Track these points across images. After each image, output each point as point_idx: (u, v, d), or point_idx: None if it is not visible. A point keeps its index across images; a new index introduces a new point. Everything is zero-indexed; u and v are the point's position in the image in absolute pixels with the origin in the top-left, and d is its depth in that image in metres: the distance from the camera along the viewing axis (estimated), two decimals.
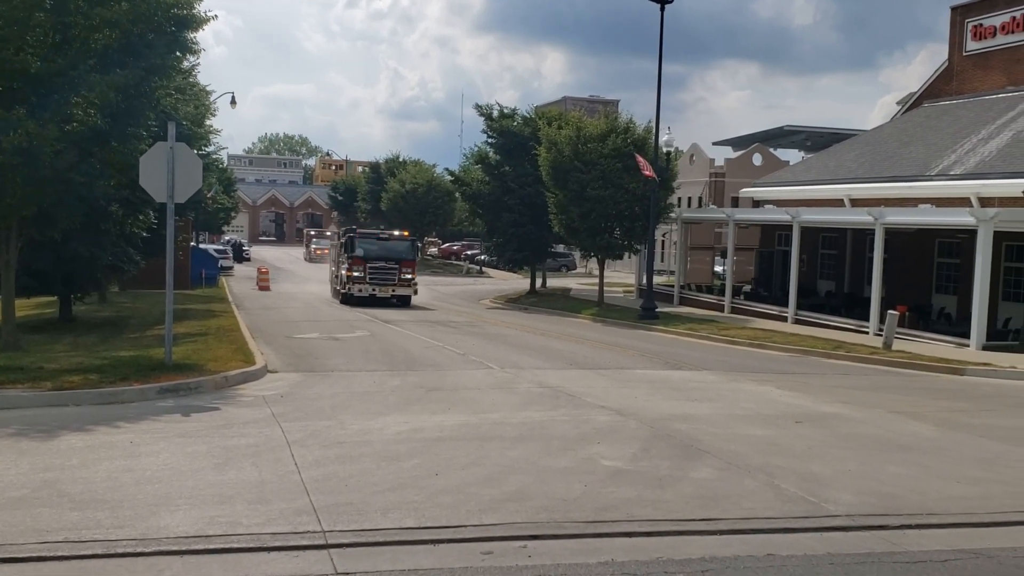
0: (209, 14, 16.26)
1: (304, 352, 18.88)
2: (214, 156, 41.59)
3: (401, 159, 78.25)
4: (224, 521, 7.00)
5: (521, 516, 7.32)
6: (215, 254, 49.55)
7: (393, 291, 34.07)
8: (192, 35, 15.63)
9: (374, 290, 33.66)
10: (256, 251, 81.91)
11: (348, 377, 15.40)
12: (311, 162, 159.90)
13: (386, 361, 17.81)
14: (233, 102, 45.89)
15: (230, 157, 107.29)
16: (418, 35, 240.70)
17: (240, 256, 69.56)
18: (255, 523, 6.98)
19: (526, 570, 6.19)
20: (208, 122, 31.35)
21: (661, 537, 6.98)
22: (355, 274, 33.80)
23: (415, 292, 34.92)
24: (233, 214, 71.87)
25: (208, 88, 32.23)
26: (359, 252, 34.32)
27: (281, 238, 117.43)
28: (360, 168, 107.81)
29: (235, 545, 6.54)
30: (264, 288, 42.15)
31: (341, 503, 7.54)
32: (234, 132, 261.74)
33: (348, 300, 34.05)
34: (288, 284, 47.16)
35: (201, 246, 51.68)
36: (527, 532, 6.94)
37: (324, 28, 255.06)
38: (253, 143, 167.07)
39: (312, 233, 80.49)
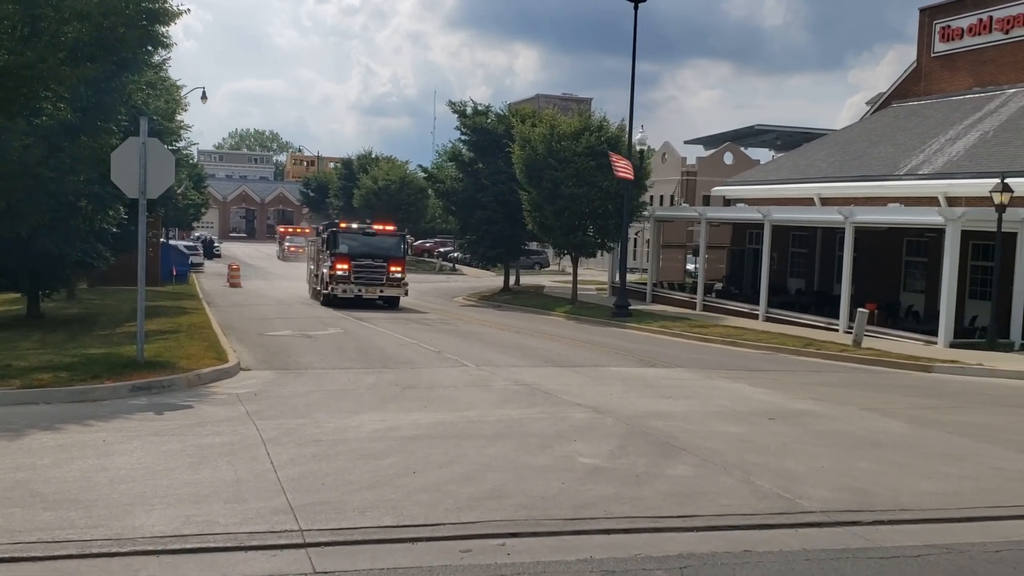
0: (181, 8, 16.12)
1: (277, 350, 18.76)
2: (185, 152, 41.19)
3: (373, 155, 77.96)
4: (200, 520, 6.94)
5: (499, 514, 7.33)
6: (185, 250, 49.10)
7: (381, 292, 31.51)
8: (164, 29, 15.45)
9: (360, 290, 31.00)
10: (227, 247, 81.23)
11: (322, 375, 15.32)
12: (282, 158, 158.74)
13: (360, 359, 17.74)
14: (204, 97, 45.56)
15: (200, 153, 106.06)
16: (390, 31, 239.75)
17: (210, 253, 69.00)
18: (232, 522, 6.93)
19: (505, 568, 6.20)
20: (179, 117, 31.03)
21: (639, 534, 7.02)
22: (339, 273, 31.13)
23: (405, 293, 32.35)
24: (203, 210, 71.13)
25: (179, 83, 31.89)
26: (343, 249, 31.62)
27: (252, 234, 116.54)
28: (332, 164, 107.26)
29: (212, 544, 6.49)
30: (235, 285, 41.83)
31: (318, 502, 7.51)
32: (204, 128, 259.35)
33: (331, 302, 31.39)
34: (259, 281, 46.84)
35: (171, 242, 51.17)
36: (506, 530, 6.94)
37: (295, 23, 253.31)
38: (223, 139, 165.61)
39: (285, 230, 78.51)
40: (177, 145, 33.04)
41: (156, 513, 7.10)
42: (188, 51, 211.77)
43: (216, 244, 76.91)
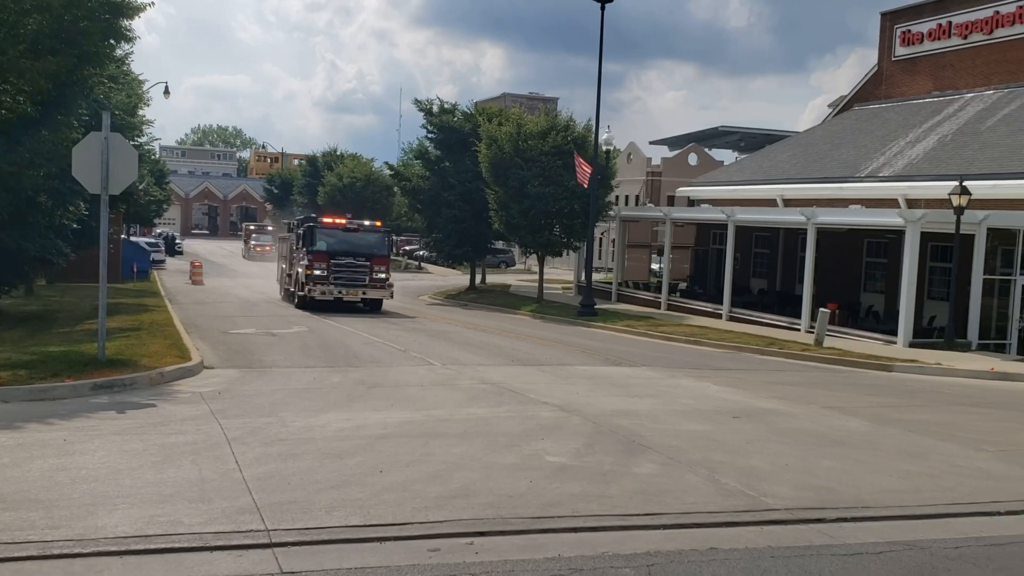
0: (145, 1, 15.87)
1: (241, 348, 18.58)
2: (147, 147, 40.61)
3: (339, 152, 77.39)
4: (164, 520, 6.86)
5: (467, 513, 7.32)
6: (147, 247, 48.43)
7: (363, 293, 28.96)
8: (127, 22, 15.21)
9: (340, 292, 28.40)
10: (189, 244, 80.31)
11: (287, 373, 15.21)
12: (246, 154, 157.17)
13: (325, 357, 17.63)
14: (167, 92, 44.84)
15: (162, 148, 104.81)
16: (355, 27, 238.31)
17: (172, 250, 68.15)
18: (197, 522, 6.86)
19: (473, 567, 6.20)
20: (141, 112, 30.59)
21: (606, 532, 7.05)
22: (316, 273, 28.41)
23: (390, 295, 29.81)
24: (165, 207, 70.16)
25: (141, 77, 31.43)
26: (321, 246, 28.88)
27: (215, 231, 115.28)
28: (296, 161, 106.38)
29: (176, 545, 6.41)
30: (197, 283, 41.37)
31: (285, 501, 7.45)
32: (167, 123, 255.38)
33: (306, 304, 28.71)
34: (222, 279, 46.35)
35: (133, 239, 50.46)
36: (474, 529, 6.94)
37: (260, 18, 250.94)
38: (186, 134, 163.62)
39: (251, 228, 75.23)
40: (139, 140, 32.54)
41: (119, 513, 7.00)
42: (150, 45, 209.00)
43: (178, 241, 75.98)
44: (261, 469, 8.45)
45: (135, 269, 40.92)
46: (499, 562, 6.29)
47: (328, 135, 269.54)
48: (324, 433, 10.22)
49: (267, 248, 61.89)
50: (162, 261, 55.68)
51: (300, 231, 30.32)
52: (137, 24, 14.04)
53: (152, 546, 6.35)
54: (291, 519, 6.99)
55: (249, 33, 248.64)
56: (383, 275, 29.31)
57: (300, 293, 29.18)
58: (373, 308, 29.69)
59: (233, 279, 46.66)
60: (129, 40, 15.66)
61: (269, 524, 6.84)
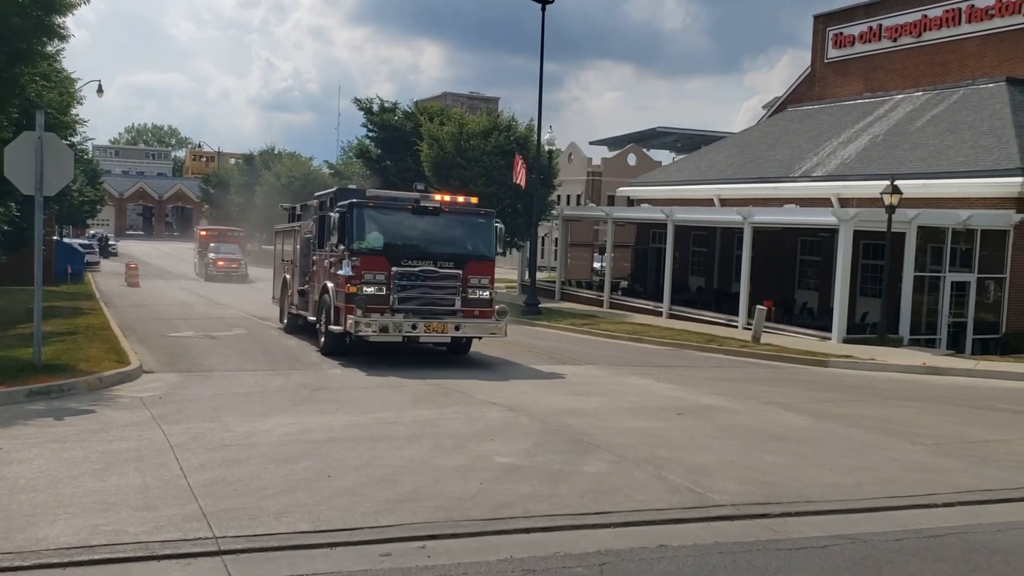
0: None
1: (180, 351, 18.23)
2: (80, 147, 39.57)
3: (276, 151, 76.46)
4: (109, 530, 6.71)
5: (418, 516, 7.30)
6: (80, 249, 47.17)
7: (456, 328, 17.14)
8: (60, 19, 14.78)
9: (413, 326, 16.62)
10: (124, 246, 78.47)
11: (229, 377, 14.97)
12: (181, 154, 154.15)
13: (267, 360, 17.40)
14: (100, 91, 43.75)
15: (96, 148, 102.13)
16: (291, 25, 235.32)
17: (107, 251, 66.56)
18: (142, 531, 6.72)
19: (426, 571, 6.19)
20: (73, 111, 29.76)
21: (558, 532, 7.09)
22: (368, 291, 16.67)
23: (503, 329, 17.89)
24: (99, 207, 68.51)
25: (73, 75, 30.60)
26: (375, 241, 17.09)
27: (150, 232, 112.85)
28: (233, 160, 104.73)
29: (122, 555, 6.27)
30: (133, 284, 40.45)
31: (232, 508, 7.34)
32: (99, 122, 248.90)
33: (345, 347, 17.64)
34: (159, 280, 45.39)
35: (66, 240, 49.14)
36: (425, 532, 6.92)
37: (193, 15, 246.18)
38: (120, 133, 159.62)
39: (207, 232, 52.81)
40: (72, 140, 31.68)
41: (61, 523, 6.83)
42: (80, 42, 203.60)
43: (112, 242, 74.18)
44: (206, 475, 8.31)
45: (68, 271, 39.83)
46: (452, 565, 6.29)
47: (265, 133, 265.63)
48: (269, 438, 10.09)
49: (235, 265, 46.14)
50: (96, 263, 54.30)
51: (332, 214, 17.69)
52: (68, 21, 13.62)
53: (97, 556, 6.20)
54: (239, 526, 6.90)
55: (182, 30, 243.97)
56: (487, 293, 17.70)
57: (334, 327, 17.43)
58: (459, 350, 18.74)
59: (168, 280, 45.70)
60: (63, 38, 15.20)
61: (217, 531, 6.74)
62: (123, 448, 9.34)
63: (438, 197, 18.25)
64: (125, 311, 27.50)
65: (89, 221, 72.12)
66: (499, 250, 18.08)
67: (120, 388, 13.44)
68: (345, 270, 16.94)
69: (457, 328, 17.00)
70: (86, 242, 58.14)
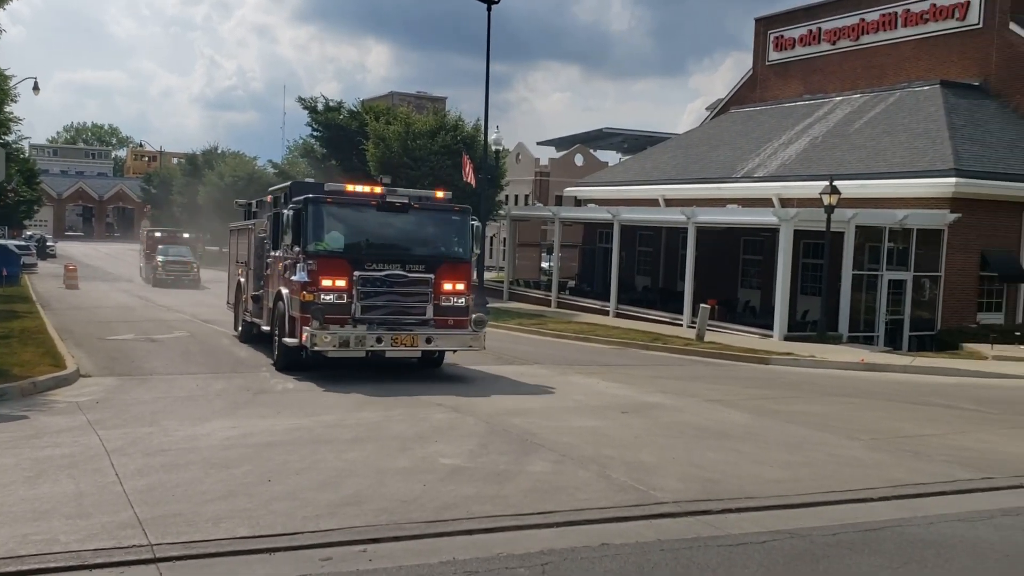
0: None
1: (119, 355, 17.84)
2: (16, 145, 38.51)
3: (220, 150, 75.33)
4: (39, 539, 6.52)
5: (360, 520, 7.23)
6: (16, 250, 45.88)
7: (428, 341, 15.18)
8: None
9: (379, 339, 14.67)
10: (63, 247, 76.50)
11: (169, 380, 14.69)
12: (122, 153, 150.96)
13: (209, 363, 17.11)
14: (36, 88, 42.61)
15: (32, 147, 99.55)
16: (234, 23, 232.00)
17: (44, 252, 64.88)
18: (75, 539, 6.55)
19: (367, 574, 6.13)
20: (8, 108, 28.96)
21: (501, 533, 7.08)
22: (327, 299, 14.76)
23: (480, 342, 15.82)
24: (36, 208, 66.69)
25: (7, 71, 29.78)
26: (334, 242, 15.23)
27: (90, 233, 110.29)
28: (175, 160, 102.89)
29: (52, 564, 6.10)
30: (72, 287, 39.48)
31: (168, 514, 7.19)
32: (36, 120, 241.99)
33: (303, 363, 15.66)
34: (99, 282, 44.37)
35: (1, 241, 47.81)
36: (367, 536, 6.86)
37: (133, 12, 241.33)
38: (58, 132, 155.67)
39: (157, 234, 48.27)
40: (7, 139, 30.81)
41: None
42: (14, 38, 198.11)
43: (51, 243, 72.33)
44: (143, 481, 8.14)
45: (4, 274, 38.72)
46: (393, 568, 6.24)
47: (208, 133, 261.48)
48: (209, 442, 9.92)
49: (186, 269, 42.58)
50: (33, 265, 52.82)
51: (286, 211, 15.73)
52: (1, 16, 13.20)
53: (26, 567, 6.03)
54: (176, 532, 6.76)
55: (123, 27, 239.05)
56: (462, 300, 15.66)
57: (288, 340, 15.38)
58: (432, 363, 17.01)
59: (108, 282, 44.70)
60: None
61: (152, 538, 6.60)
62: (57, 454, 9.10)
63: (403, 193, 16.10)
64: (63, 314, 26.83)
65: (26, 222, 70.15)
66: (476, 250, 16.27)
67: (56, 393, 13.10)
68: (300, 275, 14.91)
69: (428, 341, 14.91)
70: (23, 243, 56.59)
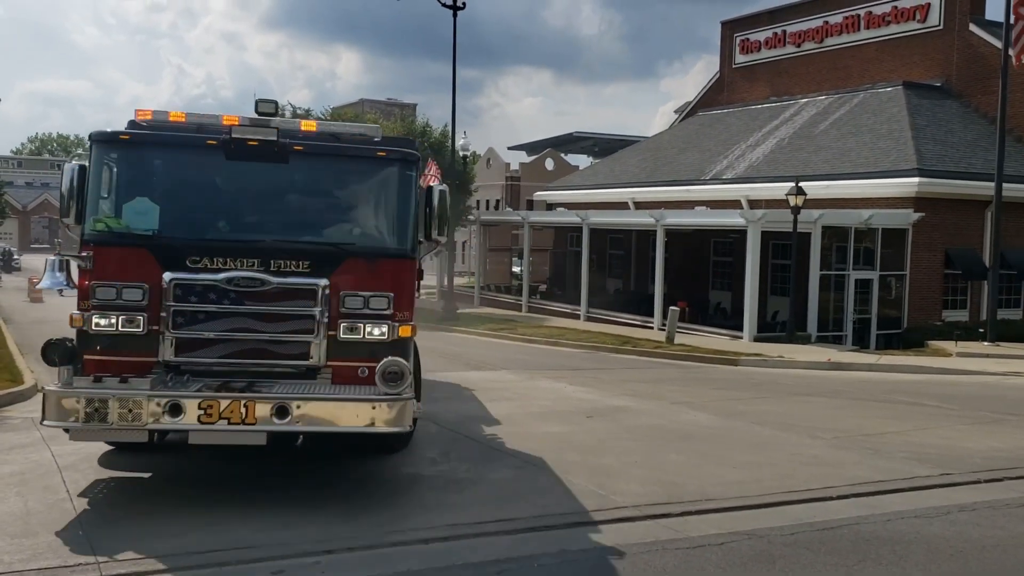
0: None
1: None
2: None
3: None
4: None
5: (314, 530, 7.14)
6: None
7: (280, 415, 7.35)
8: None
9: (172, 409, 7.27)
10: (28, 260, 75.48)
11: None
12: None
13: None
14: None
15: None
16: (201, 30, 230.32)
17: (9, 266, 64.03)
18: (19, 559, 6.40)
19: None
20: None
21: (458, 540, 7.02)
22: (103, 324, 7.98)
23: (401, 418, 7.57)
24: (0, 220, 65.82)
25: None
26: (131, 220, 8.24)
27: (56, 246, 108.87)
28: None
29: None
30: (37, 300, 38.94)
31: (119, 532, 7.06)
32: None
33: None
34: (66, 295, 43.81)
35: None
36: (320, 547, 6.76)
37: (97, 20, 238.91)
38: (22, 143, 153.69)
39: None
40: None
41: None
42: None
43: (16, 256, 71.36)
44: (94, 498, 7.99)
45: None
46: None
47: None
48: (168, 456, 9.75)
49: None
50: None
51: (68, 164, 8.44)
52: None
53: None
54: (125, 548, 6.63)
55: (86, 36, 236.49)
56: (379, 331, 8.12)
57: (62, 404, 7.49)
58: (379, 447, 9.55)
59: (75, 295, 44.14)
60: None
61: (100, 556, 6.47)
62: (7, 472, 8.92)
63: (286, 123, 8.64)
64: (26, 328, 26.44)
65: None
66: (438, 235, 8.88)
67: (10, 409, 12.84)
68: (65, 281, 8.83)
69: (281, 413, 7.37)
70: None
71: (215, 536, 6.94)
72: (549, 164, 67.87)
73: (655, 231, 28.32)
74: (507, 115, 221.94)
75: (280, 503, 7.87)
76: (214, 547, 6.70)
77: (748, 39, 38.62)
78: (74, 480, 8.55)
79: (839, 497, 8.49)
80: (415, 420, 8.67)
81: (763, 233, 24.88)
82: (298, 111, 42.13)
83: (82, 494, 8.09)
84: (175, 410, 7.27)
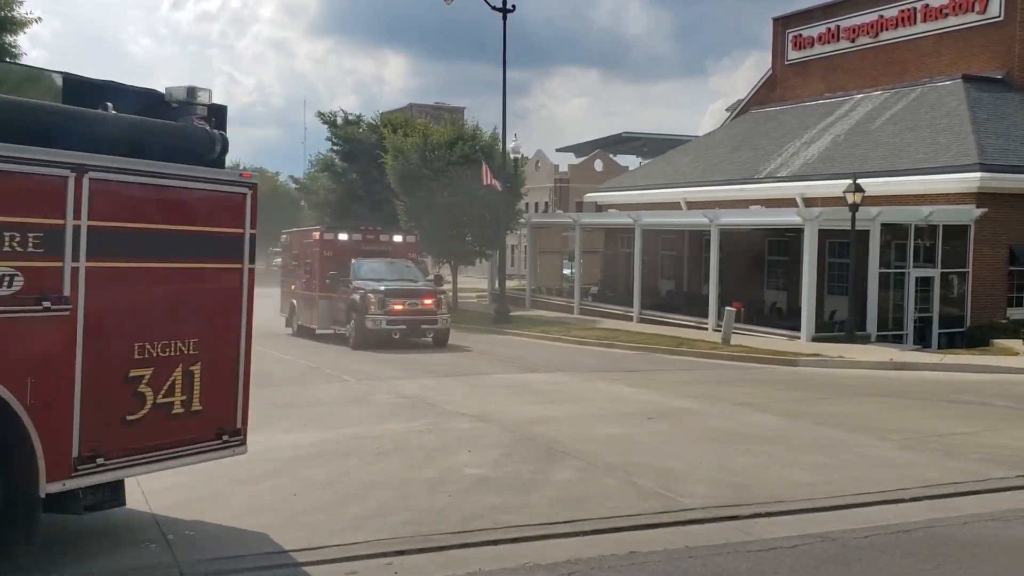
0: (29, 16, 15.16)
1: None
2: None
3: (241, 168, 75.94)
4: None
5: (386, 532, 7.19)
6: None
7: None
8: (11, 38, 14.52)
9: None
10: None
11: None
12: None
13: None
14: None
15: None
16: (251, 38, 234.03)
17: None
18: None
19: None
20: None
21: (527, 543, 7.02)
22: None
23: None
24: None
25: None
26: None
27: None
28: None
29: None
30: None
31: (194, 530, 7.20)
32: None
33: None
34: None
35: None
36: (393, 548, 6.82)
37: (151, 31, 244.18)
38: None
39: (343, 238, 32.96)
40: None
41: None
42: (35, 61, 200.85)
43: None
44: (168, 499, 8.14)
45: None
46: None
47: (231, 150, 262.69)
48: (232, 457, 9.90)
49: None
50: None
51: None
52: (22, 40, 13.32)
53: None
54: (201, 550, 6.76)
55: (141, 46, 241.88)
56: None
57: None
58: None
59: None
60: (14, 57, 14.89)
61: (179, 556, 6.60)
62: None
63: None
64: None
65: None
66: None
67: None
68: None
69: None
70: None
71: (290, 535, 7.02)
72: (598, 165, 67.73)
73: (708, 231, 28.06)
74: (554, 116, 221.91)
75: (345, 500, 7.94)
76: (289, 547, 6.79)
77: (801, 35, 38.09)
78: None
79: (913, 499, 8.33)
80: None
81: (820, 231, 24.51)
82: (349, 117, 42.64)
83: (154, 494, 8.22)
84: None
